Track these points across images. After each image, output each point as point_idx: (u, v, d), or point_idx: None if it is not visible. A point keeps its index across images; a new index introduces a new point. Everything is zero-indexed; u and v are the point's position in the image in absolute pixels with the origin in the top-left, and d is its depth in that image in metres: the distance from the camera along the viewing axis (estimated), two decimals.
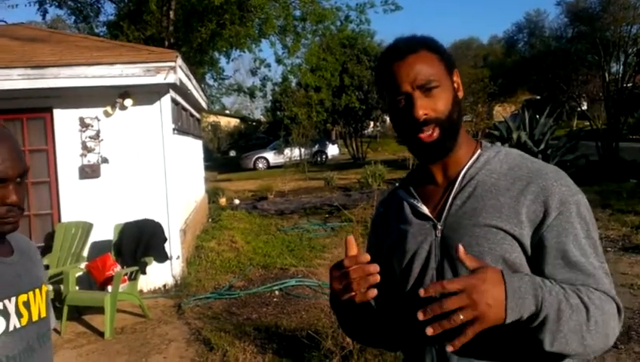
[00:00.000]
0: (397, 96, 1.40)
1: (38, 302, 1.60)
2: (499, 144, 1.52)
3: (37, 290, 1.60)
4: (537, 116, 14.74)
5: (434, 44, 1.45)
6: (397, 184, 1.65)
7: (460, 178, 1.43)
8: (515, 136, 13.85)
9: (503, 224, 1.32)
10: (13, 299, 1.49)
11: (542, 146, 13.87)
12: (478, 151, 1.47)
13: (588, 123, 21.86)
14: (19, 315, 1.50)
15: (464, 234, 1.35)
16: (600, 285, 1.28)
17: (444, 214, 1.41)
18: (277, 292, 7.09)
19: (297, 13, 16.31)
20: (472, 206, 1.38)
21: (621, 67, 19.99)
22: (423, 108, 1.36)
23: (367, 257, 1.30)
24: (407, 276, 1.45)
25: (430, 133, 1.38)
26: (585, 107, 24.39)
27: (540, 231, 1.32)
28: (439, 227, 1.41)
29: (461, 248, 1.22)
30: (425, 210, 1.46)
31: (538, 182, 1.35)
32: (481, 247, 1.32)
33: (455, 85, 1.45)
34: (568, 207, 1.33)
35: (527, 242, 1.32)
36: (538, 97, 29.86)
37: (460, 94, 1.46)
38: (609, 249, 8.01)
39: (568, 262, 1.30)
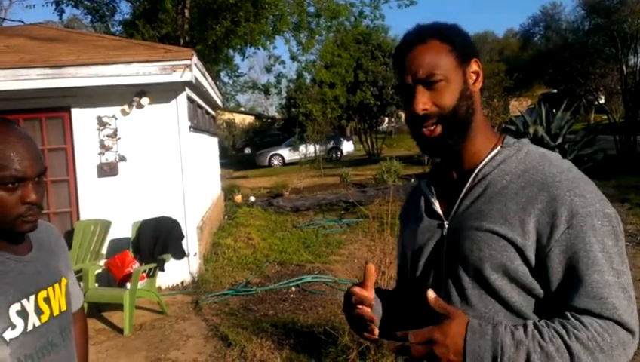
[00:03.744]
0: (402, 89, 1.36)
1: (58, 296, 1.63)
2: (525, 141, 1.40)
3: (56, 285, 1.63)
4: (554, 110, 14.60)
5: (448, 32, 1.36)
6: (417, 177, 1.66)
7: (472, 176, 1.37)
8: (531, 130, 13.73)
9: (505, 231, 1.26)
10: (32, 297, 1.52)
11: (559, 141, 13.73)
12: (498, 147, 1.38)
13: (606, 116, 21.63)
14: (39, 312, 1.53)
15: (466, 237, 1.32)
16: (605, 310, 1.18)
17: (452, 213, 1.38)
18: (293, 289, 7.11)
19: (311, 9, 16.31)
20: (478, 208, 1.33)
21: (639, 60, 19.78)
22: (423, 103, 1.31)
23: (370, 298, 1.37)
24: (414, 273, 1.45)
25: (432, 129, 1.33)
26: (602, 100, 24.15)
27: (546, 246, 1.24)
28: (446, 226, 1.38)
29: (430, 294, 1.25)
30: (437, 206, 1.43)
31: (550, 190, 1.25)
32: (481, 253, 1.28)
33: (468, 77, 1.36)
34: (579, 219, 1.22)
35: (532, 255, 1.25)
36: (555, 91, 29.63)
37: (476, 86, 1.37)
38: (627, 243, 7.93)
39: (573, 281, 1.22)
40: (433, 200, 1.45)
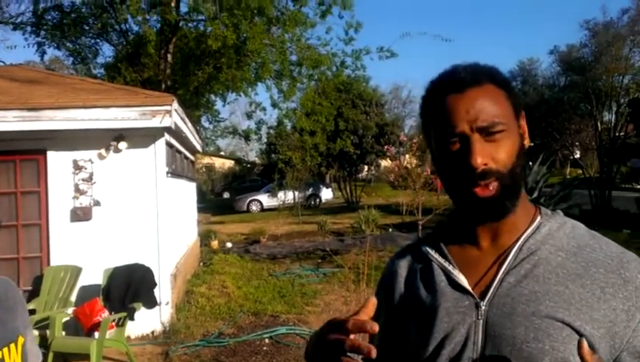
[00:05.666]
0: (450, 138, 1.13)
1: (14, 358, 1.53)
2: (561, 213, 1.23)
3: (12, 345, 1.53)
4: (530, 163, 14.79)
5: (501, 77, 1.18)
6: (416, 236, 1.42)
7: (515, 249, 1.15)
8: None
9: (571, 319, 1.06)
10: None
11: (535, 194, 13.85)
12: (538, 218, 1.19)
13: (581, 171, 22.02)
14: None
15: (518, 324, 1.08)
16: None
17: (492, 292, 1.13)
18: (267, 341, 6.96)
19: (293, 58, 16.48)
20: (530, 288, 1.10)
21: (613, 116, 20.31)
22: (483, 155, 1.09)
23: (376, 328, 0.97)
24: (433, 361, 1.16)
25: (488, 188, 1.11)
26: (578, 155, 24.59)
27: (621, 337, 1.07)
28: (483, 307, 1.12)
29: (586, 345, 1.01)
30: (463, 281, 1.17)
31: (619, 272, 1.10)
32: (540, 344, 1.05)
33: (521, 131, 1.18)
34: None
35: (601, 346, 1.06)
36: (531, 145, 30.13)
37: (527, 143, 1.19)
38: None
39: None
40: (455, 272, 1.19)
